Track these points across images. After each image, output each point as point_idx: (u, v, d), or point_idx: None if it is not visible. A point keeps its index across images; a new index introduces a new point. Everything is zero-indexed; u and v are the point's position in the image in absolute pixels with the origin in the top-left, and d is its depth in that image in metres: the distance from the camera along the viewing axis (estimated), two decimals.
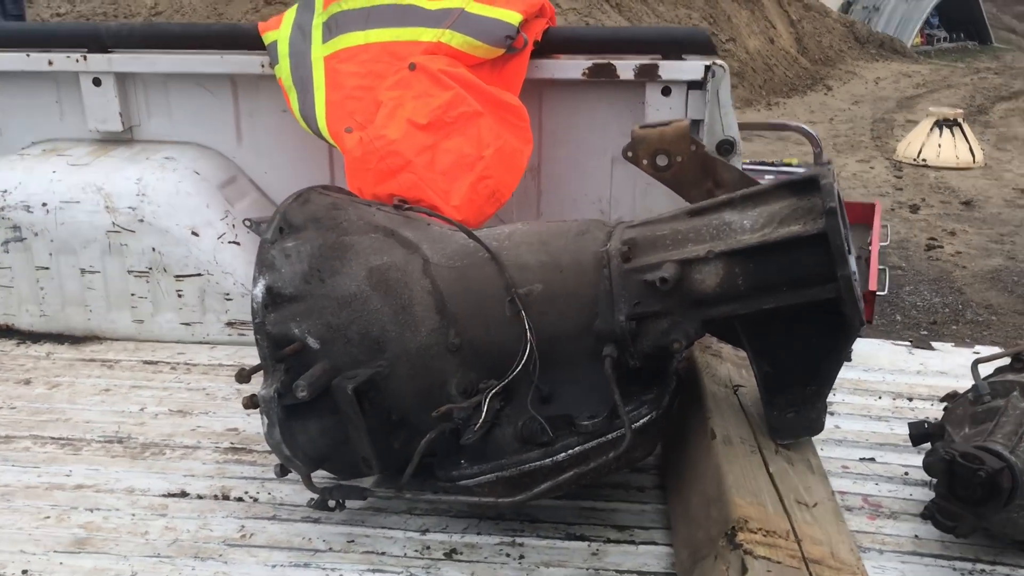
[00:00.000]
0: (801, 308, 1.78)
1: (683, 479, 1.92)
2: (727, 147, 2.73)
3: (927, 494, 2.13)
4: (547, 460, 1.81)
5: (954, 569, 1.88)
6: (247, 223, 2.76)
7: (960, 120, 11.68)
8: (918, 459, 2.22)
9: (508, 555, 1.93)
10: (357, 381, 1.83)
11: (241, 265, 2.88)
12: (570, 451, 1.80)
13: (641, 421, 1.82)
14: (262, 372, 1.90)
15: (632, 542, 1.96)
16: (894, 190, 10.22)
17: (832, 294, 1.74)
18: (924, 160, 11.42)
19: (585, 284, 1.87)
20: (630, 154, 2.12)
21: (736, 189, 2.02)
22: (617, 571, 1.87)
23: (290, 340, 1.89)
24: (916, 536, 1.98)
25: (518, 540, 1.97)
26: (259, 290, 1.91)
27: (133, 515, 2.05)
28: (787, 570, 1.49)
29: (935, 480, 2.08)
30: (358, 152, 2.55)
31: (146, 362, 2.83)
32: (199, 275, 2.87)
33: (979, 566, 1.89)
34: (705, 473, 1.80)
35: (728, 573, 1.50)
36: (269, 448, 1.91)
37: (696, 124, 2.75)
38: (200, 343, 2.94)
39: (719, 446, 1.82)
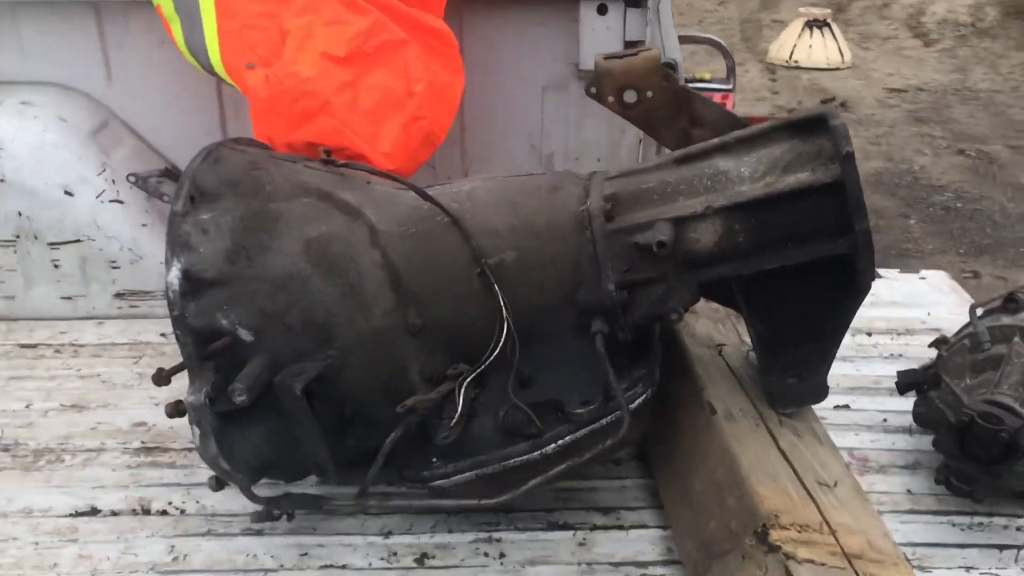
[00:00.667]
0: (806, 264, 1.60)
1: (679, 458, 1.73)
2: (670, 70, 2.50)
3: (910, 442, 2.06)
4: (535, 453, 1.59)
5: (953, 524, 1.82)
6: (132, 179, 2.35)
7: (829, 20, 11.79)
8: (893, 403, 2.15)
9: (487, 554, 1.73)
10: (306, 379, 1.56)
11: (127, 227, 2.51)
12: (561, 441, 1.59)
13: (637, 402, 1.62)
14: (186, 372, 1.59)
15: (621, 527, 1.79)
16: (771, 94, 10.26)
17: (846, 249, 1.56)
18: (796, 62, 11.50)
19: (565, 249, 1.64)
20: (593, 90, 1.86)
21: (716, 128, 1.80)
22: (611, 563, 1.70)
23: (218, 334, 1.59)
24: (909, 491, 1.91)
25: (495, 535, 1.77)
26: (174, 276, 1.59)
27: (36, 543, 1.75)
28: (832, 572, 1.33)
29: (919, 426, 2.00)
30: (265, 93, 2.19)
31: (24, 345, 2.45)
32: (78, 241, 2.50)
33: (976, 519, 1.82)
34: (709, 454, 1.63)
35: None
36: (198, 454, 1.63)
37: (633, 46, 2.49)
38: (85, 319, 2.57)
39: (722, 422, 1.64)
